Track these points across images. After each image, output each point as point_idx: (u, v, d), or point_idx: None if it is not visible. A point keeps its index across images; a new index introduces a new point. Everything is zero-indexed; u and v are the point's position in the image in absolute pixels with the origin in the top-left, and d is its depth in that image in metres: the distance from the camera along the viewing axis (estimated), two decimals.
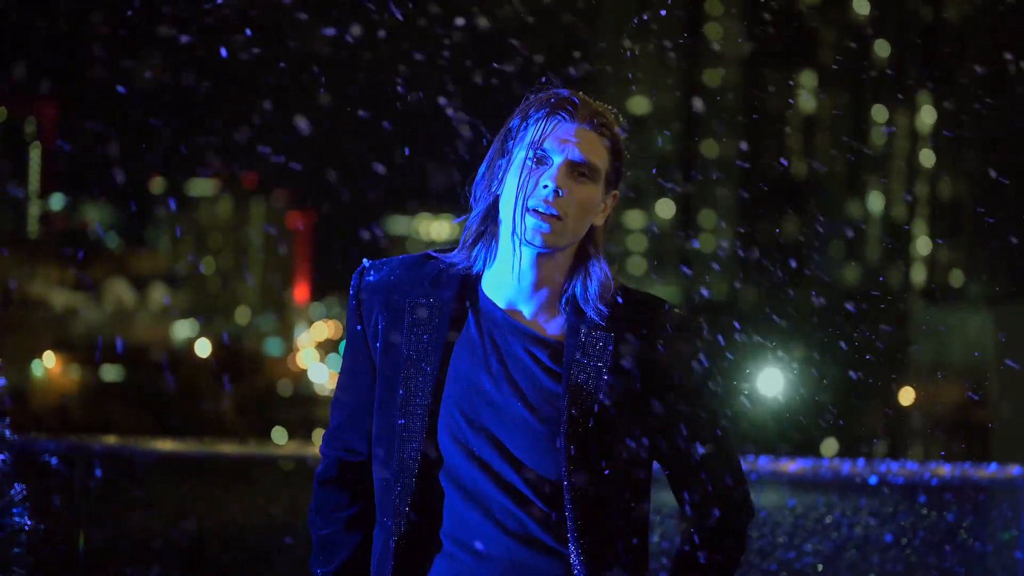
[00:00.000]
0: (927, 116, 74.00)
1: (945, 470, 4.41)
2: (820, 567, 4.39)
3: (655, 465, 2.42)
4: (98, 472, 4.31)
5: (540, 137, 2.30)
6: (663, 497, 2.84)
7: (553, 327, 2.36)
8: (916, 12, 73.08)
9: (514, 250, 2.33)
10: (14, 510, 3.17)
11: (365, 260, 2.44)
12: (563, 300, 2.36)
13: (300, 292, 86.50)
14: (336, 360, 63.99)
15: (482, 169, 2.38)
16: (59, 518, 4.25)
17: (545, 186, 2.29)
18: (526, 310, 2.37)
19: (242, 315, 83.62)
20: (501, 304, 2.37)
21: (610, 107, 2.39)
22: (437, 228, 77.54)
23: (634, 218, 69.47)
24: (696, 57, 73.29)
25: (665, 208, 74.08)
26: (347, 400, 2.45)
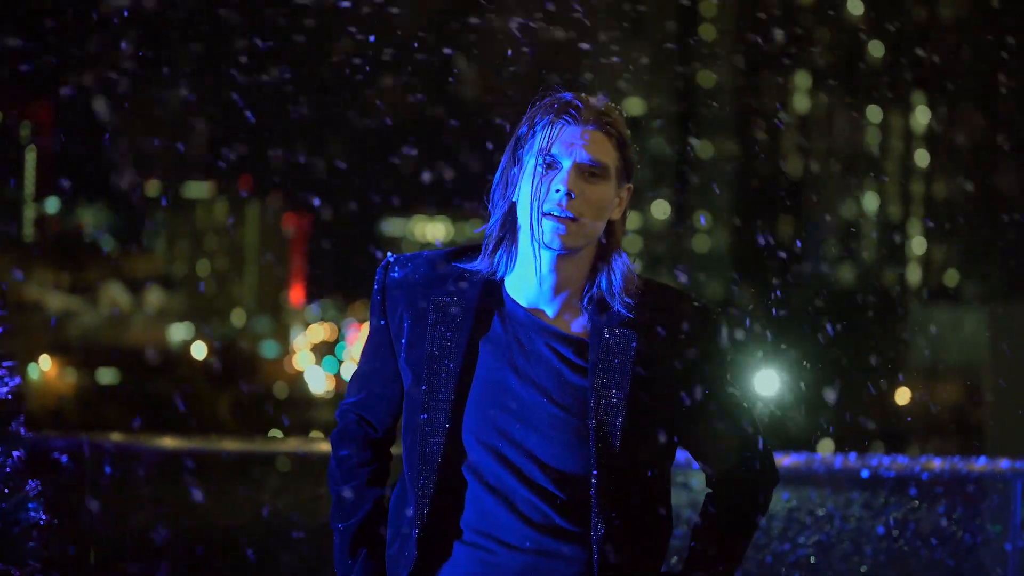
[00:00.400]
0: (921, 116, 74.03)
1: (935, 464, 4.48)
2: (813, 559, 4.46)
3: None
4: (107, 469, 4.38)
5: (547, 143, 2.36)
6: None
7: (576, 325, 2.41)
8: (910, 12, 73.09)
9: (534, 254, 2.38)
10: (29, 505, 3.24)
11: (390, 255, 2.50)
12: (585, 298, 2.41)
13: (296, 295, 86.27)
14: (332, 363, 63.92)
15: (496, 178, 2.44)
16: (70, 514, 4.31)
17: (557, 190, 2.35)
18: (549, 310, 2.42)
19: (238, 317, 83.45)
20: (524, 305, 2.42)
21: (614, 104, 2.45)
22: (432, 230, 77.42)
23: (629, 219, 69.22)
24: (691, 58, 73.27)
25: (660, 209, 74.08)
26: (363, 386, 2.52)
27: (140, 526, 4.47)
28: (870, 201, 74.37)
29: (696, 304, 2.44)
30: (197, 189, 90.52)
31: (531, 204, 2.36)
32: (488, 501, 2.37)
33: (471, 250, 2.47)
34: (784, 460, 4.46)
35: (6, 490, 3.20)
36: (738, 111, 72.24)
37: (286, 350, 72.34)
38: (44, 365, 52.04)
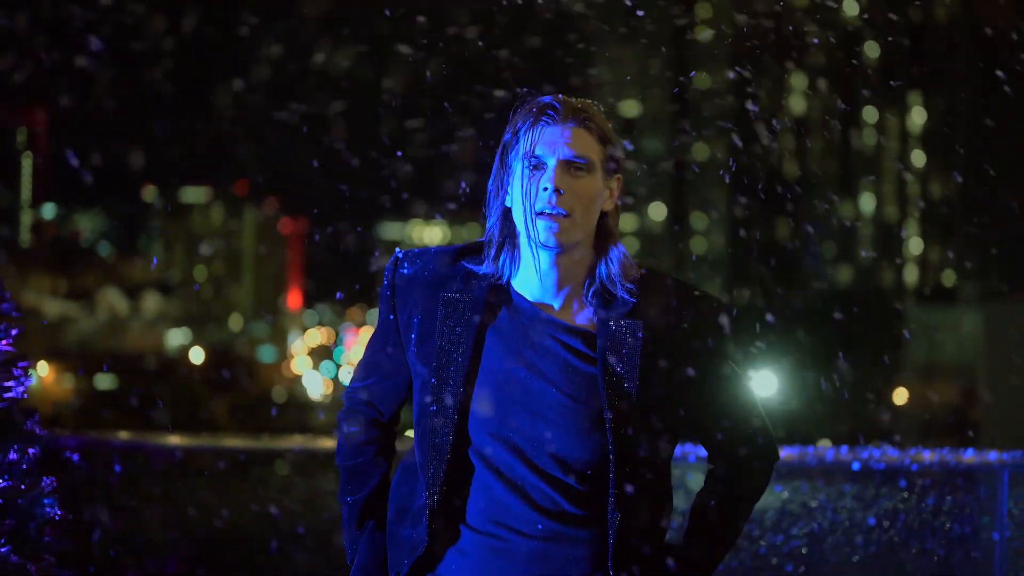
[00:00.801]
0: (917, 116, 74.06)
1: (925, 456, 4.56)
2: (805, 550, 4.53)
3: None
4: (117, 467, 4.46)
5: (531, 145, 2.46)
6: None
7: (582, 317, 2.50)
8: (906, 13, 73.11)
9: (533, 254, 2.47)
10: (45, 500, 3.32)
11: (399, 250, 2.60)
12: (589, 292, 2.50)
13: (293, 299, 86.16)
14: (330, 367, 63.86)
15: (490, 186, 2.54)
16: (82, 510, 4.38)
17: (545, 188, 2.44)
18: (555, 304, 2.51)
19: (235, 322, 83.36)
20: (530, 300, 2.51)
21: (592, 101, 2.54)
22: (429, 234, 77.38)
23: (626, 221, 69.21)
24: (686, 60, 73.28)
25: (657, 211, 74.10)
26: (371, 372, 2.62)
27: (148, 523, 4.54)
28: (867, 202, 74.40)
29: (697, 292, 2.53)
30: (194, 194, 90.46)
31: (524, 206, 2.45)
32: (498, 489, 2.45)
33: (478, 247, 2.56)
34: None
35: (23, 486, 3.27)
36: (735, 112, 72.26)
37: (284, 354, 72.27)
38: (42, 371, 51.98)
